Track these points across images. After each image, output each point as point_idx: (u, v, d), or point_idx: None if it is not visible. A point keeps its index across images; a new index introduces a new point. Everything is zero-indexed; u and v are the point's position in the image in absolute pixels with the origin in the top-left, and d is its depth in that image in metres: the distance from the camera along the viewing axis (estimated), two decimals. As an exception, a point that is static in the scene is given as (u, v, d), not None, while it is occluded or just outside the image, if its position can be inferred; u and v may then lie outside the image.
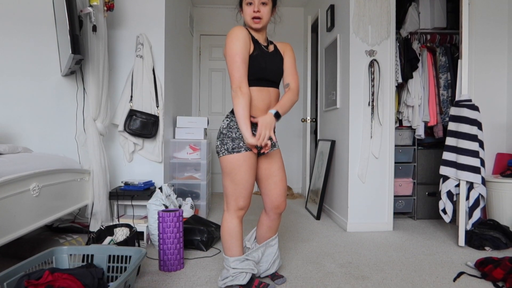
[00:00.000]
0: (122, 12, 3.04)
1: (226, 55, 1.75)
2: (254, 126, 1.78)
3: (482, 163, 2.66)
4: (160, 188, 2.81)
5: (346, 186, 3.20)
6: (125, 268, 1.79)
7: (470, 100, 2.70)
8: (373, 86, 3.12)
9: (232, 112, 1.81)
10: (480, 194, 2.65)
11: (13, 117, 2.89)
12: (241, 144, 1.76)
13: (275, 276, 2.06)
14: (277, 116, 1.74)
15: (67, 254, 1.82)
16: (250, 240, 2.09)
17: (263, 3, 1.74)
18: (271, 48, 1.88)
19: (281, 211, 1.96)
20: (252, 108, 1.77)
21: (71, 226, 2.75)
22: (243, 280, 1.83)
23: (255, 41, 1.80)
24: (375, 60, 3.12)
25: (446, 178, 2.78)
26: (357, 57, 3.14)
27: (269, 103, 1.82)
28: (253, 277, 1.89)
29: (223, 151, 1.80)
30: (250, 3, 1.75)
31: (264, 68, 1.78)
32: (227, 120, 1.83)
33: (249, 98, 1.72)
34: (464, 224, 2.69)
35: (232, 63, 1.69)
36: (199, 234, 2.63)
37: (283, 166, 1.95)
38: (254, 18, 1.75)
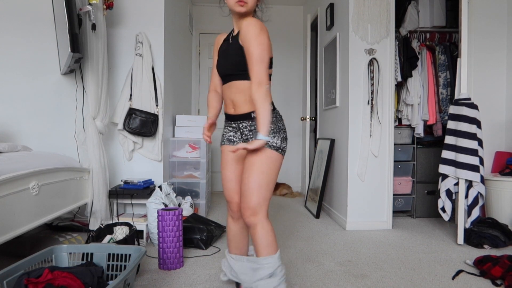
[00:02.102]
0: (122, 11, 3.04)
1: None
2: (228, 123, 1.76)
3: (481, 161, 2.66)
4: (160, 187, 2.81)
5: (346, 184, 3.20)
6: (125, 266, 1.80)
7: (469, 99, 2.70)
8: (372, 84, 3.12)
9: None
10: (479, 192, 2.66)
11: (13, 115, 2.89)
12: (222, 137, 1.81)
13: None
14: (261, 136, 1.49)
15: (66, 253, 1.82)
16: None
17: None
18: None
19: (245, 219, 1.59)
20: (225, 105, 1.76)
21: (70, 225, 2.75)
22: (223, 277, 1.87)
23: (225, 39, 1.73)
24: (374, 58, 3.12)
25: (445, 176, 2.79)
26: (356, 55, 3.14)
27: (232, 97, 1.66)
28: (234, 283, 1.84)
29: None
30: None
31: (218, 65, 1.71)
32: None
33: (213, 93, 1.83)
34: (463, 223, 2.70)
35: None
36: (199, 232, 2.63)
37: (260, 166, 1.56)
38: (238, 1, 1.56)
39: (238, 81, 1.64)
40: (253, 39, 1.51)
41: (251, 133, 1.68)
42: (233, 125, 1.72)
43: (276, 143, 1.59)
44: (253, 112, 1.63)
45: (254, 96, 1.50)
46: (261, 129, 1.48)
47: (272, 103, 1.61)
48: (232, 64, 1.63)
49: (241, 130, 1.70)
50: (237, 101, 1.66)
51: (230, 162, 1.75)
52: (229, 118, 1.73)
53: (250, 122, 1.67)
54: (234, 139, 1.75)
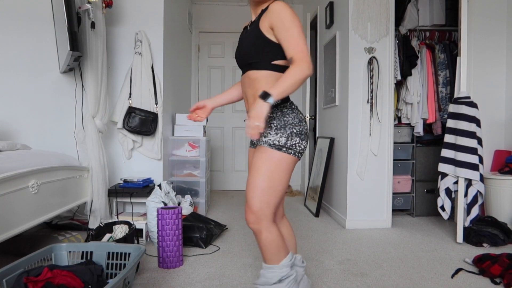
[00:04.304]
0: (121, 9, 3.04)
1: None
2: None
3: (481, 160, 2.66)
4: (159, 186, 2.81)
5: (345, 183, 3.21)
6: (124, 265, 1.80)
7: (468, 97, 2.70)
8: (372, 83, 3.12)
9: None
10: (478, 191, 2.66)
11: (12, 114, 2.89)
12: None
13: None
14: (265, 96, 1.30)
15: (66, 251, 1.82)
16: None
17: None
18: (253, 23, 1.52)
19: (248, 220, 1.44)
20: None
21: (70, 223, 2.75)
22: None
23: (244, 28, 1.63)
24: (374, 57, 3.12)
25: (444, 175, 2.79)
26: (356, 54, 3.14)
27: (245, 92, 1.53)
28: None
29: None
30: None
31: (236, 54, 1.58)
32: None
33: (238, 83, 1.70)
34: (462, 221, 2.70)
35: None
36: (198, 231, 2.63)
37: (259, 168, 1.43)
38: None
39: (251, 71, 1.49)
40: (290, 19, 1.38)
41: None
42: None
43: (278, 141, 1.41)
44: None
45: (297, 67, 1.34)
46: (272, 89, 1.31)
47: (289, 97, 1.47)
48: (248, 48, 1.49)
49: None
50: (250, 96, 1.51)
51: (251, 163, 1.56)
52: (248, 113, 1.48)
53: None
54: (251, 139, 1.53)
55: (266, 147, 1.44)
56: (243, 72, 1.53)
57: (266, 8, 1.46)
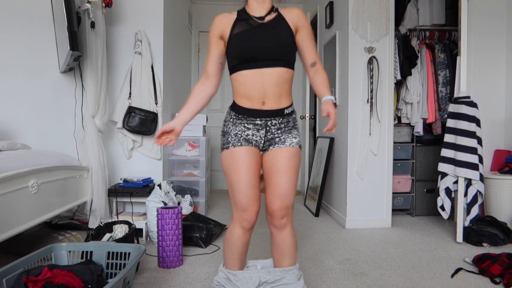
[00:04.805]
0: (121, 9, 3.03)
1: None
2: (248, 120, 1.51)
3: (480, 159, 2.66)
4: (159, 185, 2.81)
5: (345, 183, 3.21)
6: (124, 265, 1.79)
7: (468, 97, 2.70)
8: (372, 83, 3.12)
9: (230, 106, 1.58)
10: (478, 190, 2.66)
11: (12, 114, 2.89)
12: (229, 139, 1.52)
13: None
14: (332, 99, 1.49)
15: (66, 251, 1.82)
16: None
17: None
18: (269, 17, 1.50)
19: (277, 221, 1.55)
20: (243, 98, 1.50)
21: (70, 223, 2.75)
22: None
23: (241, 19, 1.51)
24: (374, 57, 3.12)
25: (444, 174, 2.79)
26: (356, 54, 3.14)
27: (263, 89, 1.46)
28: None
29: (220, 148, 1.59)
30: None
31: (249, 47, 1.45)
32: (227, 113, 1.61)
33: (205, 83, 1.56)
34: (462, 221, 2.70)
35: None
36: (198, 231, 2.63)
37: (293, 167, 1.53)
38: None
39: (284, 69, 1.47)
40: (311, 28, 1.55)
41: (279, 131, 1.52)
42: (258, 122, 1.50)
43: (300, 141, 1.60)
44: (286, 108, 1.52)
45: (321, 72, 1.55)
46: (328, 92, 1.51)
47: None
48: (285, 44, 1.47)
49: (268, 128, 1.51)
50: (271, 94, 1.47)
51: (252, 166, 1.50)
52: (253, 114, 1.49)
53: (281, 119, 1.51)
54: (254, 138, 1.52)
55: (298, 148, 1.56)
56: (258, 66, 1.45)
57: (273, 8, 1.53)
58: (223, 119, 1.62)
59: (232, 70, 1.51)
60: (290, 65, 1.50)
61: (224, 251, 1.61)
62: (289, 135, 1.53)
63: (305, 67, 1.61)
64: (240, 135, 1.52)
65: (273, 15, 1.51)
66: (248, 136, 1.52)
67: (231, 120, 1.54)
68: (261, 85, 1.46)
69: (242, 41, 1.47)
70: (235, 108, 1.53)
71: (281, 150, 1.52)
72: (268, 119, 1.50)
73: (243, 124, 1.52)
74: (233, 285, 1.56)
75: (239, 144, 1.50)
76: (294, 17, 1.51)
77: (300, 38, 1.52)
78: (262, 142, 1.54)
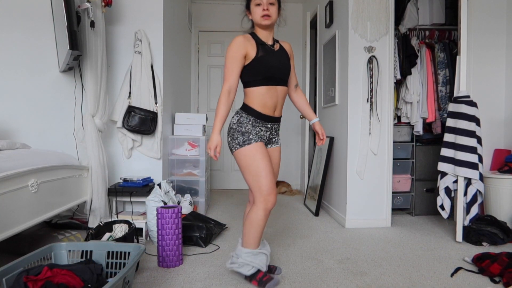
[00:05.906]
0: (120, 8, 3.03)
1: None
2: (263, 123, 1.93)
3: (480, 159, 2.66)
4: (159, 185, 2.81)
5: (345, 182, 3.21)
6: (124, 264, 1.80)
7: (468, 96, 2.70)
8: (371, 82, 3.12)
9: (242, 108, 1.94)
10: (477, 190, 2.66)
11: (11, 113, 2.88)
12: (250, 136, 1.88)
13: (271, 269, 2.10)
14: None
15: (66, 250, 1.82)
16: None
17: (271, 3, 1.89)
18: (277, 46, 1.99)
19: (274, 202, 1.94)
20: (262, 106, 1.91)
21: (69, 222, 2.75)
22: (248, 271, 1.91)
23: (260, 43, 1.91)
24: (373, 56, 3.12)
25: (444, 174, 2.79)
26: (356, 53, 3.14)
27: (276, 101, 1.94)
28: (259, 270, 1.94)
29: (235, 145, 1.90)
30: (259, 4, 1.89)
31: (271, 67, 1.89)
32: (237, 116, 1.93)
33: (227, 97, 1.86)
34: (461, 220, 2.70)
35: (225, 66, 1.89)
36: (198, 230, 2.63)
37: (280, 161, 2.10)
38: (264, 16, 1.88)
39: (285, 87, 1.99)
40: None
41: (275, 133, 2.03)
42: (268, 125, 1.96)
43: None
44: (281, 116, 2.03)
45: (301, 94, 2.18)
46: (314, 114, 2.15)
47: None
48: (289, 69, 2.00)
49: (272, 131, 2.00)
50: (279, 105, 1.97)
51: (268, 157, 1.91)
52: (267, 119, 1.93)
53: (278, 124, 2.03)
54: (265, 137, 1.96)
55: (280, 146, 2.10)
56: (275, 84, 1.92)
57: (275, 39, 2.02)
58: (231, 121, 1.96)
59: (253, 84, 1.90)
60: (287, 84, 2.05)
61: (248, 234, 1.91)
62: (278, 137, 2.07)
63: (289, 87, 2.11)
64: (258, 134, 1.91)
65: (277, 45, 2.01)
66: (262, 135, 1.94)
67: (250, 122, 1.91)
68: (275, 98, 1.94)
69: (267, 62, 1.89)
70: (253, 113, 1.91)
71: (276, 148, 2.06)
72: (274, 123, 1.99)
73: (259, 126, 1.92)
74: (260, 259, 1.92)
75: (259, 140, 1.91)
76: (289, 49, 2.07)
77: (291, 65, 2.03)
78: (266, 140, 1.99)
